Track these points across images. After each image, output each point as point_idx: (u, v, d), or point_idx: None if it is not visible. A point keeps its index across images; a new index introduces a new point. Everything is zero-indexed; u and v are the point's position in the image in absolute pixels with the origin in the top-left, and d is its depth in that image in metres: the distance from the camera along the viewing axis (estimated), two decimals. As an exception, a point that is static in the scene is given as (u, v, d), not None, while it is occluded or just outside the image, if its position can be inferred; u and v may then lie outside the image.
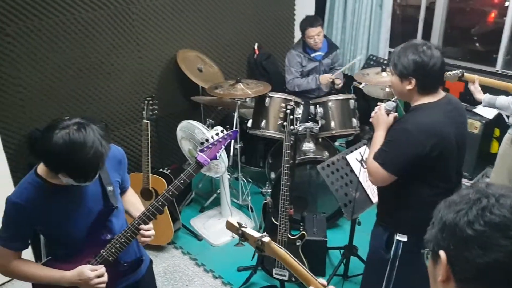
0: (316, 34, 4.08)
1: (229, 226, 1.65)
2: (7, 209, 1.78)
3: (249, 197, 3.96)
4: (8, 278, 2.96)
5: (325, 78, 4.10)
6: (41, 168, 1.79)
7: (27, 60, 3.30)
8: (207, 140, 2.11)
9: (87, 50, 3.59)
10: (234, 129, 3.54)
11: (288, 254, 1.51)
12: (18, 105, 3.35)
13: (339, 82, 4.17)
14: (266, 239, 1.54)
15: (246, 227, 1.61)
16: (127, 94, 3.97)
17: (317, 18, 4.25)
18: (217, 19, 4.41)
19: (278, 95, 3.64)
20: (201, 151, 2.07)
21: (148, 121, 3.37)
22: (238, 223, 1.62)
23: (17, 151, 3.40)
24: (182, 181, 2.00)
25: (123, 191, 2.11)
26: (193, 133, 3.38)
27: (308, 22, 4.11)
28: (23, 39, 3.24)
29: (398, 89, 2.20)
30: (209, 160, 2.06)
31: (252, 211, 3.86)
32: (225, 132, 2.16)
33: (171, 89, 4.27)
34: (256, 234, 1.57)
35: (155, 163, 4.02)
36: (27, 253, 2.32)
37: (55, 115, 3.54)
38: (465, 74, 3.12)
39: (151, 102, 3.41)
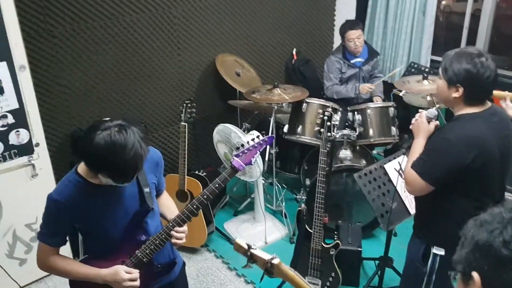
0: (356, 37, 4.02)
1: (237, 247, 1.61)
2: (47, 206, 1.84)
3: (283, 203, 3.94)
4: (46, 273, 3.04)
5: (365, 88, 4.04)
6: (81, 167, 1.83)
7: (72, 61, 3.40)
8: (242, 145, 2.11)
9: (129, 53, 3.67)
10: (270, 134, 3.54)
11: (299, 277, 1.47)
12: (63, 105, 3.45)
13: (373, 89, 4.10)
14: (276, 260, 1.51)
15: (255, 249, 1.58)
16: (166, 97, 4.03)
17: (358, 21, 4.21)
18: (257, 24, 4.43)
19: (315, 101, 3.61)
20: (237, 156, 2.07)
21: (186, 124, 3.41)
22: (247, 244, 1.59)
23: (60, 150, 3.51)
24: (217, 185, 2.01)
25: (158, 193, 2.14)
26: (229, 136, 3.40)
27: (348, 25, 4.08)
28: (69, 41, 3.35)
29: (443, 95, 2.12)
30: (244, 165, 2.06)
31: (285, 217, 3.84)
32: (261, 137, 2.15)
33: (209, 93, 4.31)
34: (266, 256, 1.53)
35: (191, 165, 4.06)
36: (65, 250, 2.38)
37: (97, 115, 3.63)
38: (494, 92, 2.97)
39: (189, 105, 3.45)
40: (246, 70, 4.25)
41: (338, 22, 5.02)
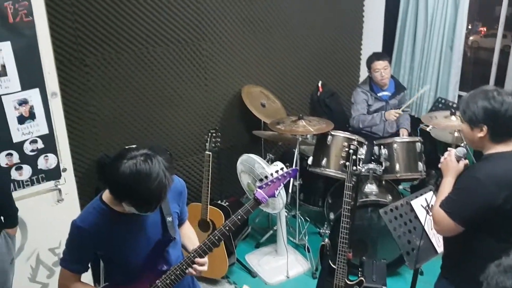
0: (382, 68, 4.02)
1: None
2: (71, 232, 1.85)
3: (306, 237, 3.88)
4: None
5: (391, 114, 4.00)
6: (106, 195, 1.84)
7: (102, 89, 3.48)
8: (266, 177, 2.10)
9: (158, 82, 3.75)
10: (294, 166, 3.53)
11: None
12: (91, 131, 3.52)
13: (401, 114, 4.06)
14: None
15: None
16: (192, 126, 4.07)
17: (384, 53, 4.21)
18: (283, 56, 4.48)
19: (340, 134, 3.59)
20: (260, 187, 2.05)
21: (210, 153, 3.43)
22: None
23: (86, 175, 3.56)
24: (239, 217, 1.99)
25: (180, 223, 2.13)
26: (252, 167, 3.39)
27: (375, 56, 4.10)
28: (100, 70, 3.44)
29: (469, 137, 2.10)
30: (267, 197, 2.04)
31: (308, 251, 3.77)
32: (284, 169, 2.14)
33: (234, 122, 4.34)
34: None
35: (214, 194, 4.06)
36: (87, 276, 2.38)
37: (124, 142, 3.69)
38: None
39: (214, 134, 3.47)
40: (271, 101, 4.28)
41: (365, 55, 5.03)
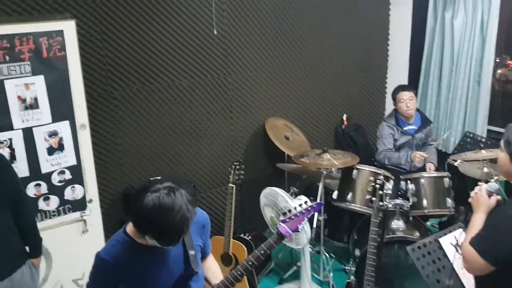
0: (408, 98, 4.00)
1: None
2: (95, 264, 1.87)
3: (331, 274, 3.79)
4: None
5: (417, 156, 3.94)
6: (130, 227, 1.85)
7: (129, 121, 3.55)
8: (289, 211, 2.08)
9: (183, 115, 3.80)
10: (318, 200, 3.49)
11: None
12: (117, 162, 3.57)
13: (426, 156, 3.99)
14: None
15: None
16: (216, 158, 4.09)
17: (410, 85, 4.20)
18: (307, 89, 4.51)
19: (366, 168, 3.54)
20: (283, 221, 2.04)
21: (234, 186, 3.43)
22: None
23: (111, 206, 3.59)
24: (262, 252, 1.97)
25: (204, 256, 2.11)
26: (276, 200, 3.36)
27: (400, 87, 4.11)
28: (128, 103, 3.51)
29: (506, 168, 2.03)
30: (291, 232, 2.02)
31: (333, 288, 3.68)
32: (309, 203, 2.11)
33: (258, 155, 4.34)
34: None
35: (237, 228, 4.03)
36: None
37: (149, 174, 3.72)
38: None
39: (238, 166, 3.48)
40: (295, 134, 4.28)
41: (390, 88, 5.03)
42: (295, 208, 2.09)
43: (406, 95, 4.02)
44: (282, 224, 2.01)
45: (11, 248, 2.45)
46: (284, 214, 2.06)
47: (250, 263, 1.96)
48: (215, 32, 3.77)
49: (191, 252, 1.93)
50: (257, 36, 4.06)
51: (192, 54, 3.73)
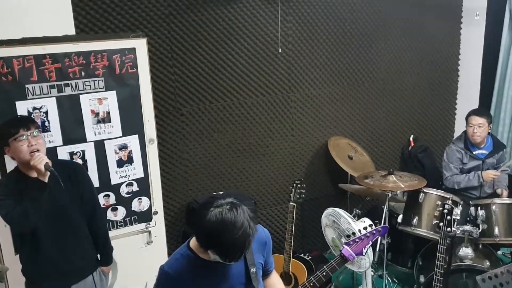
0: (477, 124, 3.81)
1: None
2: (158, 277, 1.91)
3: (393, 299, 3.65)
4: None
5: (489, 175, 3.74)
6: (193, 242, 1.88)
7: (195, 137, 3.65)
8: (353, 234, 2.03)
9: (247, 132, 3.85)
10: (382, 223, 3.39)
11: None
12: (182, 176, 3.67)
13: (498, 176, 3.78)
14: None
15: None
16: (277, 176, 4.09)
17: (486, 111, 4.01)
18: (372, 108, 4.43)
19: (434, 192, 3.41)
20: (347, 244, 2.00)
21: (295, 204, 3.41)
22: None
23: (175, 219, 3.68)
24: (324, 274, 1.95)
25: (267, 273, 2.10)
26: (338, 221, 3.30)
27: (473, 111, 3.93)
28: (194, 119, 3.62)
29: None
30: (354, 255, 1.98)
31: (395, 315, 3.54)
32: (373, 227, 2.06)
33: (319, 174, 4.30)
34: None
35: (296, 247, 3.99)
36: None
37: (212, 189, 3.79)
38: None
39: (299, 185, 3.46)
40: (359, 154, 4.20)
41: (460, 111, 4.86)
42: (359, 231, 2.04)
43: (476, 120, 3.84)
44: (345, 246, 1.97)
45: (84, 255, 2.58)
46: (348, 236, 2.02)
47: (311, 283, 1.93)
48: (280, 50, 3.81)
49: (252, 269, 1.93)
50: (322, 54, 4.05)
51: (257, 72, 3.79)
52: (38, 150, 2.31)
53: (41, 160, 2.25)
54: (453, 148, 3.96)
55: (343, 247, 1.97)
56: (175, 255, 1.92)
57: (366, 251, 2.04)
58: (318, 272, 1.94)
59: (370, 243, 2.04)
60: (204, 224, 1.71)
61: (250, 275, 1.92)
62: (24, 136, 2.29)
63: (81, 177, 2.54)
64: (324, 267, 1.94)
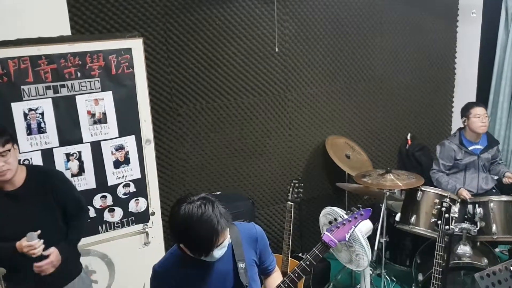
0: (483, 114, 3.79)
1: None
2: (151, 276, 1.94)
3: (392, 298, 3.65)
4: None
5: (463, 194, 3.67)
6: None
7: (192, 137, 3.64)
8: (335, 219, 2.02)
9: (244, 132, 3.84)
10: (380, 222, 3.38)
11: None
12: (179, 177, 3.65)
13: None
14: None
15: None
16: (275, 175, 4.09)
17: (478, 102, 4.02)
18: (369, 107, 4.42)
19: (431, 190, 3.41)
20: (328, 230, 1.98)
21: (293, 204, 3.40)
22: None
23: (172, 220, 3.66)
24: (308, 263, 1.95)
25: (267, 272, 2.10)
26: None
27: (474, 103, 3.91)
28: (191, 119, 3.60)
29: None
30: (336, 240, 1.96)
31: (394, 313, 3.54)
32: (355, 211, 2.04)
33: (317, 173, 4.29)
34: None
35: (295, 246, 3.98)
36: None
37: (210, 189, 3.78)
38: None
39: (297, 184, 3.45)
40: (356, 153, 4.19)
41: (457, 109, 4.84)
42: (341, 216, 2.02)
43: (481, 110, 3.81)
44: (327, 233, 1.95)
45: (67, 263, 2.51)
46: (330, 222, 1.99)
47: (296, 274, 1.93)
48: (277, 50, 3.80)
49: (241, 265, 1.93)
50: (319, 53, 4.05)
51: (254, 72, 3.78)
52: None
53: None
54: (447, 144, 3.92)
55: (324, 233, 1.95)
56: (166, 254, 1.96)
57: (349, 237, 2.00)
58: (301, 262, 1.93)
59: (353, 227, 1.99)
60: (174, 219, 1.75)
61: (238, 271, 1.91)
62: None
63: (58, 184, 2.46)
64: (307, 255, 1.92)
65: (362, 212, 2.04)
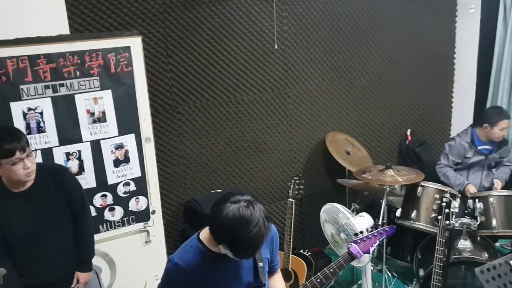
0: (507, 127, 3.74)
1: None
2: (168, 268, 1.90)
3: (393, 293, 3.66)
4: None
5: (469, 190, 3.69)
6: (204, 234, 1.88)
7: (192, 135, 3.64)
8: (361, 232, 2.06)
9: (244, 129, 3.84)
10: (381, 217, 3.39)
11: None
12: (180, 175, 3.66)
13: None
14: None
15: None
16: (276, 172, 4.09)
17: (504, 109, 3.96)
18: (369, 103, 4.42)
19: (432, 185, 3.41)
20: (355, 242, 2.03)
21: (293, 200, 3.40)
22: None
23: (173, 218, 3.67)
24: (331, 270, 1.98)
25: (272, 272, 2.12)
26: (336, 216, 3.30)
27: (502, 114, 3.79)
28: (191, 117, 3.60)
29: None
30: (362, 252, 2.00)
31: (395, 309, 3.54)
32: (381, 226, 2.09)
33: (318, 170, 4.30)
34: None
35: (296, 243, 3.99)
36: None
37: (210, 186, 3.78)
38: None
39: (298, 181, 3.45)
40: (356, 149, 4.20)
41: (456, 104, 4.86)
42: (367, 230, 2.08)
43: (507, 123, 3.73)
44: (354, 244, 2.01)
45: (69, 264, 2.53)
46: (356, 235, 2.05)
47: (318, 280, 1.96)
48: (276, 46, 3.80)
49: (260, 264, 1.95)
50: (318, 50, 4.04)
51: (254, 69, 3.78)
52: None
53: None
54: (457, 141, 3.89)
55: (351, 245, 2.01)
56: (184, 246, 1.91)
57: (373, 250, 2.08)
58: (325, 269, 1.96)
59: (377, 242, 2.08)
60: (221, 219, 1.71)
61: (258, 270, 1.92)
62: (20, 160, 2.21)
63: (66, 180, 2.48)
64: (332, 264, 1.97)
65: (387, 229, 2.10)
